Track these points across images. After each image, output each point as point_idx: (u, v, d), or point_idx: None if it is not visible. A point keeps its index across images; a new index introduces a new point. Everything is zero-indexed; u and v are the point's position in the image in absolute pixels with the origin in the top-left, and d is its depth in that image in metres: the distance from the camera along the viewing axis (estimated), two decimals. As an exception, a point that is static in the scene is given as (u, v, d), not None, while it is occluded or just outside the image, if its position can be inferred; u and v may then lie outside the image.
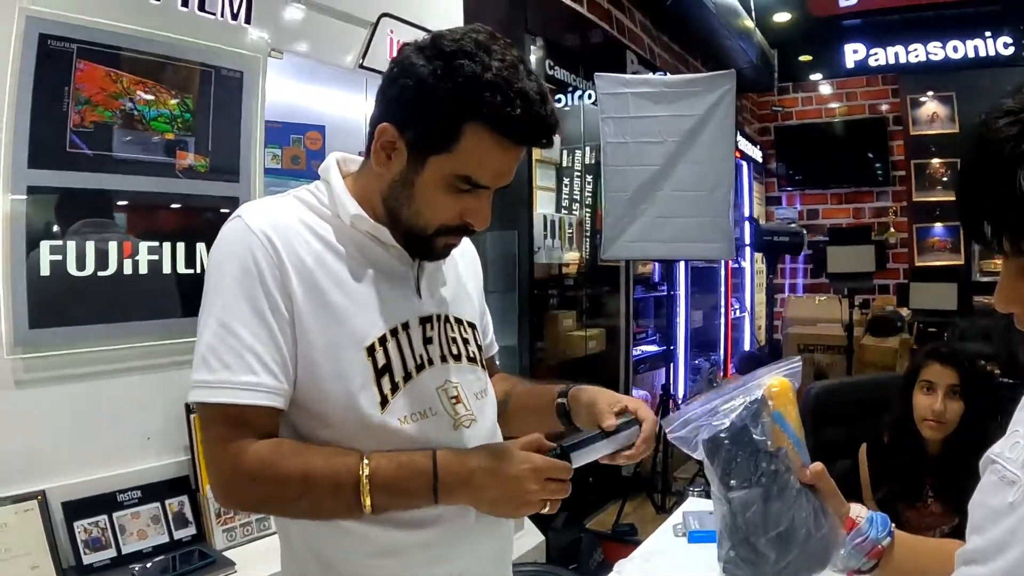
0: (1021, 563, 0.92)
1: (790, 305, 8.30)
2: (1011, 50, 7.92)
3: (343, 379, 1.28)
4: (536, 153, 4.67)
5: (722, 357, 8.11)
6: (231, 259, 1.27)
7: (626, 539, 4.46)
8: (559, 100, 5.13)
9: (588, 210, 5.13)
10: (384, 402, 1.30)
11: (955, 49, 8.21)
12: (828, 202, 9.11)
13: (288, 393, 1.27)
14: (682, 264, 6.83)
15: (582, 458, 1.37)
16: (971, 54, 8.09)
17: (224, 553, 2.20)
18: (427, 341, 1.39)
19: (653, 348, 6.24)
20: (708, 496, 2.61)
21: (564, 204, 5.06)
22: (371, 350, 1.30)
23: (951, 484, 2.46)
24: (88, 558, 2.00)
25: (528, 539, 3.58)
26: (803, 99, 9.27)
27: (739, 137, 7.72)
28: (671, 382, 5.07)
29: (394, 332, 1.34)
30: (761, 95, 9.22)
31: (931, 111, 8.42)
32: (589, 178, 5.14)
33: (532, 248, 4.40)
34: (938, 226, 8.42)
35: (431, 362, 1.38)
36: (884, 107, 8.86)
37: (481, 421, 1.45)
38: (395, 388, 1.32)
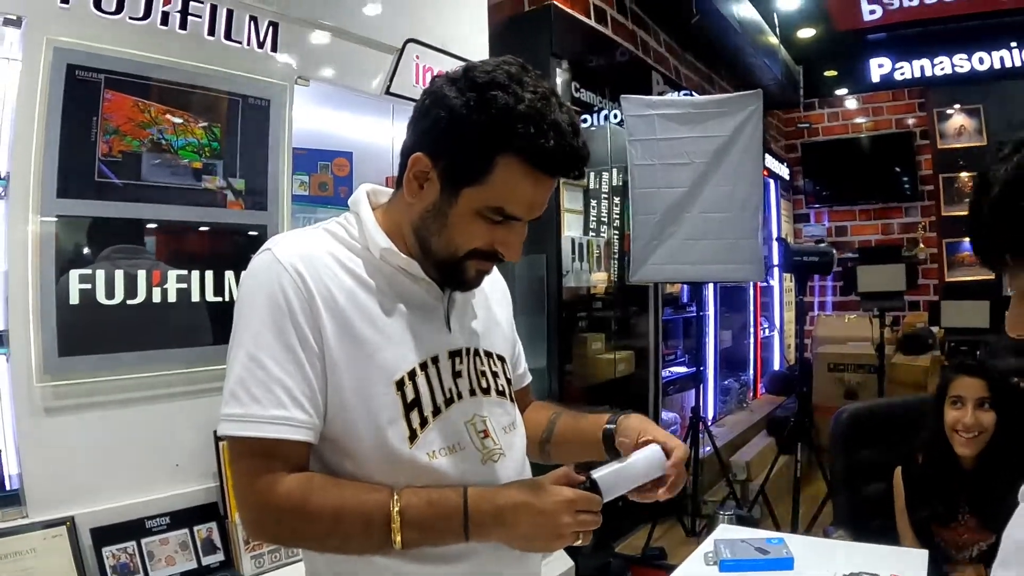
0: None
1: (820, 324, 8.27)
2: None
3: (372, 413, 1.28)
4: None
5: (752, 377, 8.06)
6: (260, 292, 1.27)
7: (656, 563, 4.42)
8: (584, 120, 5.10)
9: (616, 231, 5.11)
10: (413, 436, 1.30)
11: (981, 61, 8.10)
12: (857, 218, 9.05)
13: (318, 427, 1.27)
14: (711, 284, 6.78)
15: (610, 490, 1.35)
16: (997, 65, 7.97)
17: None
18: (456, 375, 1.39)
19: (682, 369, 6.19)
20: (739, 521, 2.60)
21: (592, 226, 5.03)
22: (400, 384, 1.30)
23: (986, 499, 2.48)
24: (117, 584, 2.01)
25: (557, 564, 3.55)
26: (829, 115, 9.22)
27: (766, 155, 7.69)
28: (700, 404, 5.02)
29: (424, 366, 1.33)
30: (787, 112, 9.18)
31: (958, 124, 8.34)
32: (616, 199, 5.12)
33: (560, 271, 4.38)
34: (968, 241, 8.26)
35: (460, 396, 1.38)
36: (911, 121, 8.79)
37: (510, 455, 1.44)
38: (424, 422, 1.31)
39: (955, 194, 8.38)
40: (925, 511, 2.64)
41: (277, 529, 1.28)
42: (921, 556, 2.25)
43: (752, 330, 8.05)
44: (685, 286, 6.24)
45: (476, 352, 1.45)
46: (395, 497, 1.24)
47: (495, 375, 1.48)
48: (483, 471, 1.37)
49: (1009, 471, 2.41)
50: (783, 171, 8.81)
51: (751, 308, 8.01)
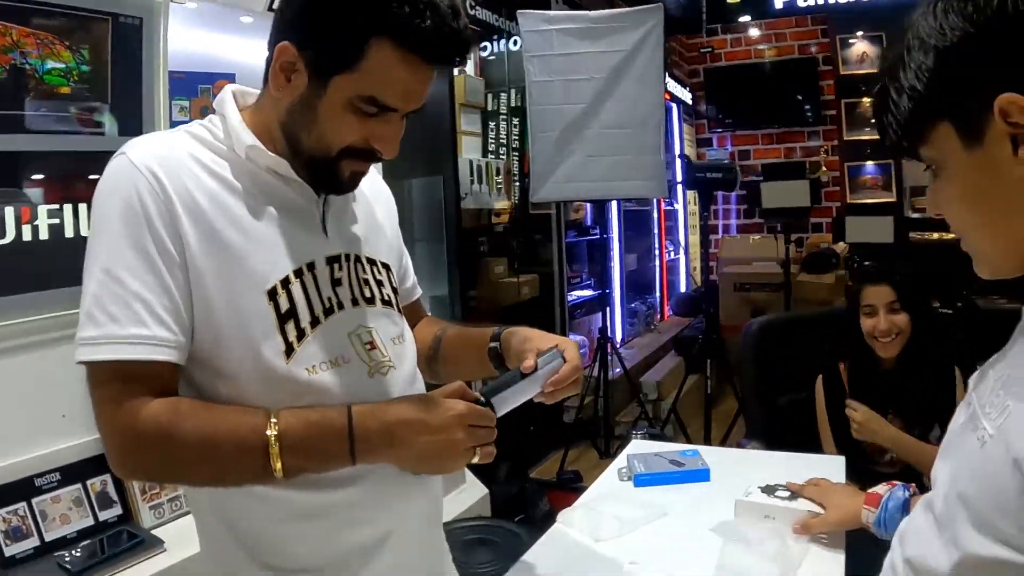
0: (949, 468, 0.97)
1: (725, 245, 8.32)
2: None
3: (243, 326, 1.16)
4: (459, 97, 4.54)
5: (659, 299, 8.12)
6: (114, 199, 1.14)
7: (571, 487, 4.42)
8: (484, 48, 5.02)
9: (516, 154, 5.00)
10: (290, 350, 1.18)
11: None
12: (759, 142, 9.05)
13: (184, 346, 1.14)
14: (614, 207, 6.77)
15: (505, 403, 1.28)
16: None
17: (153, 532, 2.10)
18: (336, 283, 1.27)
19: (588, 293, 6.17)
20: (653, 437, 2.55)
21: (491, 149, 4.91)
22: (273, 293, 1.18)
23: (908, 397, 2.57)
24: (10, 549, 1.89)
25: (471, 493, 3.50)
26: (732, 41, 9.13)
27: (668, 79, 7.66)
28: (607, 326, 5.00)
29: (298, 273, 1.22)
30: (690, 37, 9.08)
31: (861, 51, 8.37)
32: (515, 121, 5.00)
33: (459, 194, 4.26)
34: (869, 164, 8.42)
35: (341, 305, 1.27)
36: (813, 48, 8.77)
37: (400, 368, 1.34)
38: (301, 335, 1.20)
39: (857, 119, 8.43)
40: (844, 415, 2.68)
41: (143, 460, 1.15)
42: (838, 462, 2.24)
43: (657, 253, 8.08)
44: (588, 209, 6.19)
45: (357, 259, 1.34)
46: (272, 419, 1.12)
47: (379, 283, 1.37)
48: (371, 385, 1.27)
49: (930, 368, 2.50)
50: (686, 96, 8.77)
51: (656, 231, 8.03)
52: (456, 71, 4.52)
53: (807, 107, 8.72)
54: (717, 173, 4.81)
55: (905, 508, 1.65)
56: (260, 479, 1.15)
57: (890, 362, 2.63)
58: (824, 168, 8.58)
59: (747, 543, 1.69)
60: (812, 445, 2.76)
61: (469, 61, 4.83)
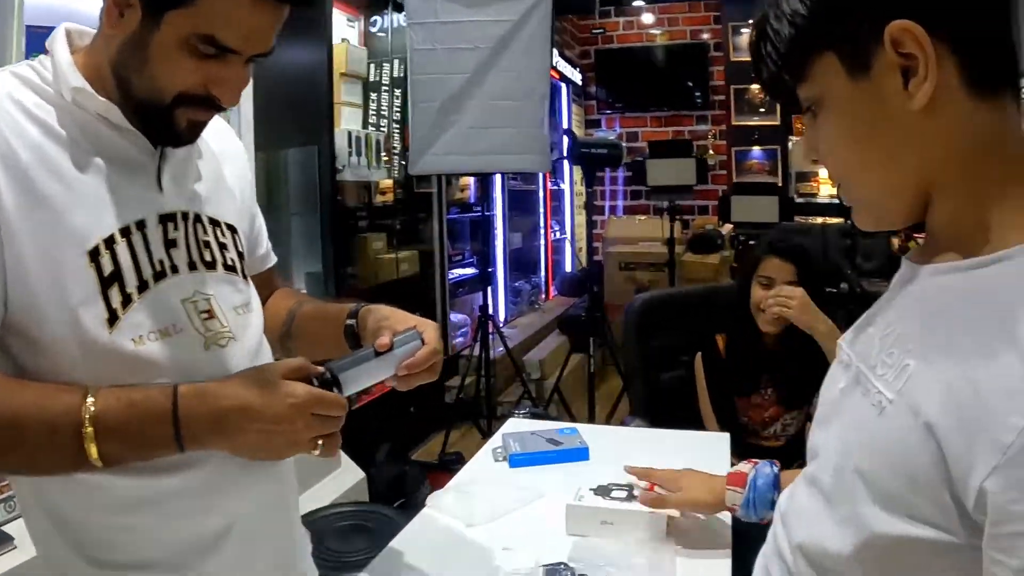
0: (834, 437, 0.94)
1: (611, 225, 8.35)
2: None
3: (61, 291, 1.01)
4: (340, 66, 4.36)
5: (543, 279, 8.13)
6: None
7: (453, 468, 4.30)
8: (374, 23, 4.86)
9: (397, 126, 4.84)
10: (113, 318, 1.04)
11: None
12: (648, 125, 9.13)
13: None
14: (499, 184, 6.70)
15: (354, 383, 1.16)
16: None
17: (2, 528, 1.93)
18: (170, 244, 1.13)
19: (471, 271, 6.09)
20: (534, 416, 2.47)
21: (372, 121, 4.74)
22: (95, 253, 1.04)
23: (787, 375, 2.58)
24: None
25: (347, 477, 3.37)
26: (625, 24, 9.17)
27: (559, 59, 7.65)
28: (489, 304, 4.93)
29: (125, 232, 1.07)
30: (582, 18, 9.09)
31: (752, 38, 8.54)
32: (398, 93, 4.83)
33: (334, 165, 4.10)
34: (756, 149, 8.60)
35: (175, 269, 1.12)
36: (705, 34, 8.89)
37: (242, 339, 1.20)
38: (127, 301, 1.05)
39: (745, 105, 8.59)
40: (727, 388, 2.69)
41: None
42: (723, 439, 2.20)
43: (543, 232, 8.07)
44: (473, 187, 6.09)
45: (198, 218, 1.19)
46: (88, 399, 0.98)
47: (222, 246, 1.22)
48: (207, 359, 1.13)
49: (810, 347, 2.42)
50: (576, 76, 8.75)
51: (541, 211, 8.02)
52: (338, 40, 4.36)
53: (696, 92, 8.84)
54: (602, 149, 4.78)
55: (776, 485, 1.54)
56: (76, 466, 1.01)
57: (771, 338, 2.60)
58: (712, 152, 8.72)
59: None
60: (697, 422, 2.75)
61: (352, 30, 4.67)
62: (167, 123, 1.09)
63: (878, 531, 0.81)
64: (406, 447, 4.66)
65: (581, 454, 2.04)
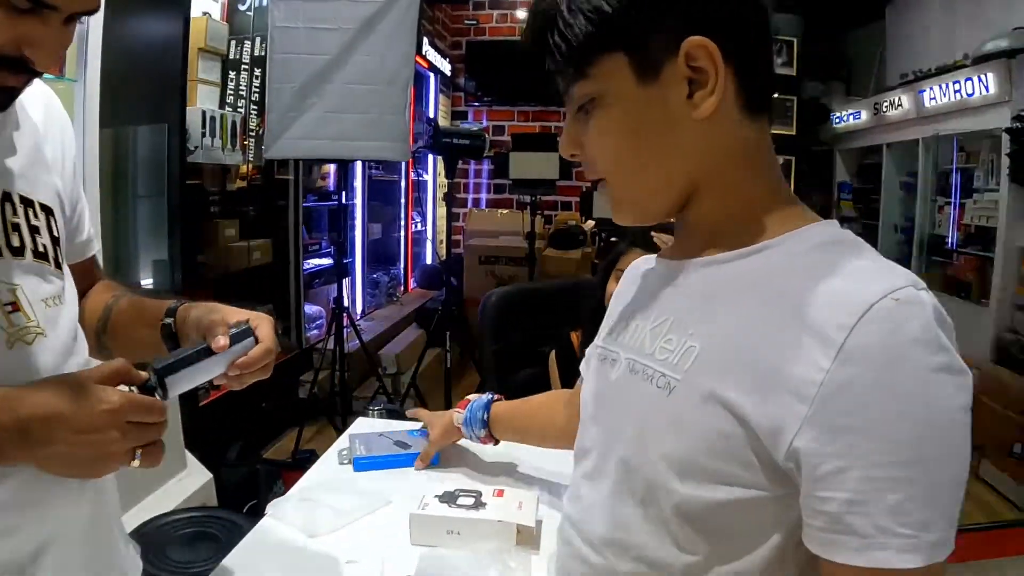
0: (616, 425, 1.00)
1: (471, 218, 8.34)
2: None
3: None
4: (199, 41, 4.15)
5: (403, 271, 8.08)
6: None
7: (307, 466, 4.18)
8: (243, 2, 4.63)
9: (255, 108, 4.65)
10: None
11: None
12: (515, 119, 9.20)
13: None
14: (359, 173, 6.58)
15: (182, 383, 1.05)
16: None
17: None
18: None
19: (327, 261, 5.96)
20: (389, 415, 2.36)
21: (229, 101, 4.54)
22: None
23: None
24: None
25: (193, 479, 3.22)
26: (498, 16, 9.21)
27: (429, 48, 7.60)
28: (344, 296, 4.82)
29: None
30: (455, 8, 9.09)
31: (625, 37, 8.69)
32: (258, 72, 4.64)
33: (184, 145, 3.88)
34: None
35: None
36: (577, 31, 8.98)
37: (53, 335, 1.08)
38: None
39: (612, 101, 8.72)
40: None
41: None
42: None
43: (403, 223, 8.01)
44: (332, 176, 5.96)
45: (7, 196, 1.06)
46: None
47: (34, 230, 1.09)
48: (10, 357, 1.01)
49: None
50: (445, 67, 8.72)
51: (402, 202, 7.95)
52: (198, 13, 4.15)
53: (566, 88, 8.90)
54: (464, 140, 4.73)
55: (487, 407, 1.82)
56: None
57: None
58: (578, 148, 8.81)
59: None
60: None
61: (215, 4, 4.46)
62: None
63: (682, 501, 0.88)
64: (258, 445, 4.52)
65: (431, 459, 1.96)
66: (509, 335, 3.04)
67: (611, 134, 0.93)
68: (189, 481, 3.18)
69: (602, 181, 0.97)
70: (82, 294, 1.24)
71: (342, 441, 2.08)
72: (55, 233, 1.14)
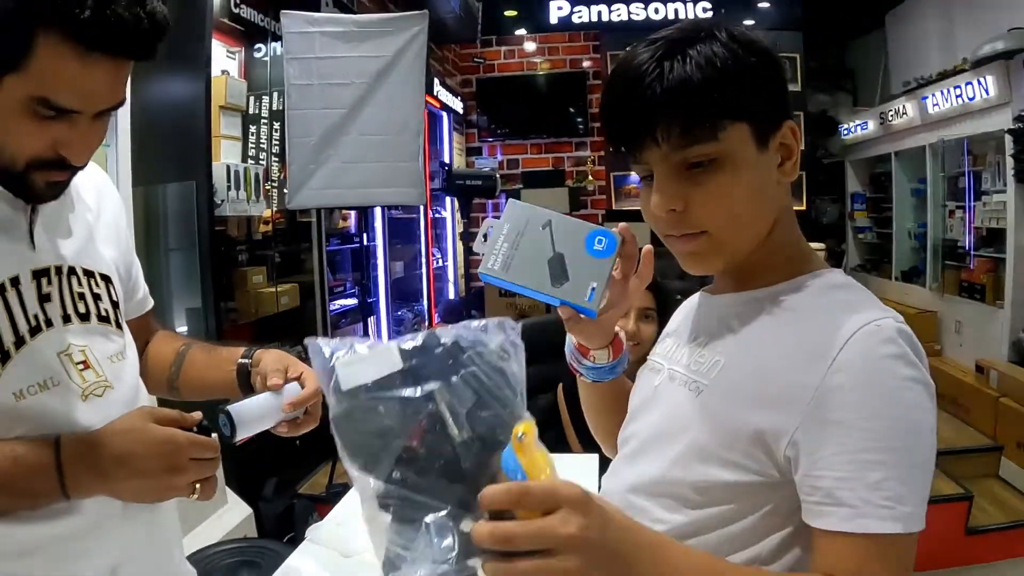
0: (659, 424, 1.17)
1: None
2: (709, 14, 8.33)
3: None
4: (220, 99, 4.34)
5: (426, 307, 8.11)
6: None
7: (341, 499, 4.30)
8: (259, 49, 4.84)
9: (276, 159, 4.84)
10: None
11: (656, 10, 8.67)
12: (528, 152, 9.31)
13: None
14: (379, 215, 6.72)
15: (247, 425, 1.25)
16: (671, 16, 8.54)
17: None
18: (44, 299, 1.16)
19: (353, 301, 6.06)
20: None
21: (251, 153, 4.73)
22: None
23: None
24: None
25: (234, 513, 3.36)
26: (506, 52, 9.37)
27: (440, 88, 7.71)
28: (371, 334, 4.94)
29: (0, 289, 1.09)
30: (464, 47, 9.24)
31: (630, 67, 8.80)
32: (277, 126, 4.84)
33: (212, 200, 4.07)
34: (634, 174, 8.77)
35: (50, 323, 1.16)
36: (585, 63, 9.17)
37: (119, 388, 1.24)
38: (5, 357, 1.08)
39: (623, 132, 8.83)
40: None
41: None
42: (591, 460, 2.27)
43: (424, 260, 8.06)
44: (354, 218, 6.11)
45: (72, 271, 1.22)
46: None
47: (97, 298, 1.26)
48: (86, 408, 1.17)
49: None
50: (457, 105, 8.83)
51: (422, 239, 8.01)
52: (218, 72, 4.34)
53: (578, 119, 9.07)
54: (476, 180, 4.85)
55: None
56: None
57: (630, 367, 2.61)
58: (591, 177, 8.91)
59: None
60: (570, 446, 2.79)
61: (232, 61, 4.65)
62: (25, 186, 1.11)
63: (698, 479, 1.06)
64: (293, 480, 4.61)
65: None
66: (528, 365, 3.16)
67: (733, 193, 1.03)
68: (230, 515, 3.32)
69: (688, 237, 1.07)
70: (143, 345, 1.42)
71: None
72: (114, 298, 1.32)
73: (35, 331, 1.14)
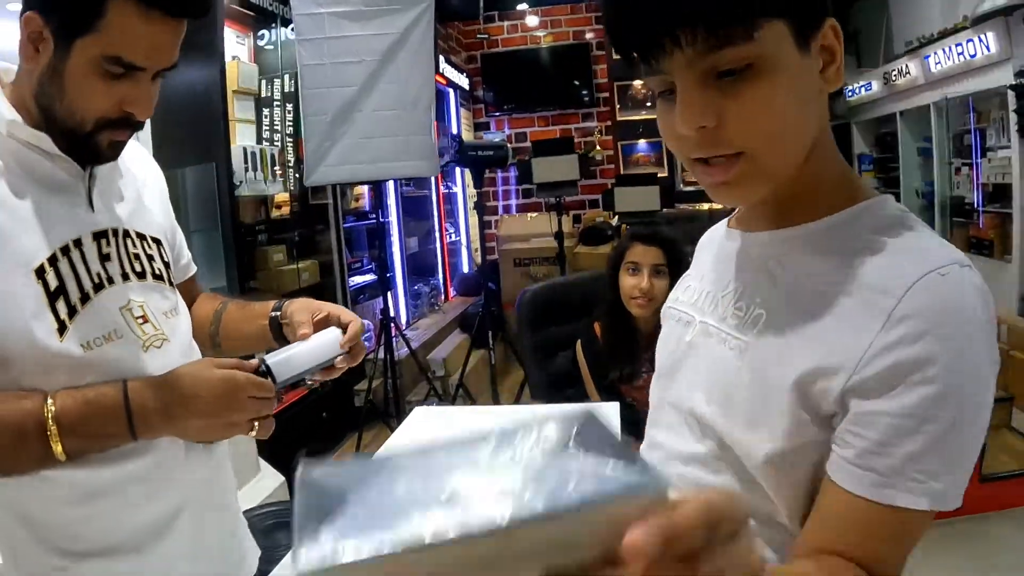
0: (691, 381, 1.06)
1: (503, 224, 8.53)
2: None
3: (14, 308, 1.14)
4: (232, 83, 4.44)
5: (441, 281, 8.22)
6: None
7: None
8: (262, 36, 4.92)
9: (291, 140, 4.94)
10: (62, 328, 1.17)
11: None
12: (536, 124, 9.33)
13: None
14: (392, 192, 6.82)
15: (286, 372, 1.30)
16: None
17: None
18: (104, 258, 1.26)
19: (370, 277, 6.19)
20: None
21: (265, 135, 4.83)
22: (41, 272, 1.16)
23: None
24: None
25: (267, 482, 3.47)
26: (509, 27, 9.37)
27: (446, 65, 7.74)
28: (390, 307, 5.06)
29: (65, 250, 1.20)
30: (467, 24, 9.24)
31: (632, 37, 8.80)
32: (290, 107, 4.94)
33: (232, 182, 4.19)
34: (642, 142, 8.93)
35: (111, 280, 1.26)
36: (588, 34, 9.16)
37: (174, 340, 1.35)
38: (72, 312, 1.19)
39: (629, 100, 8.95)
40: (610, 375, 2.73)
41: None
42: (613, 407, 2.30)
43: (438, 235, 8.16)
44: (367, 196, 6.21)
45: (126, 233, 1.33)
46: (48, 402, 1.12)
47: (150, 258, 1.37)
48: (146, 359, 1.28)
49: None
50: (463, 81, 8.87)
51: (435, 215, 8.10)
52: (229, 57, 4.44)
53: (583, 90, 9.07)
54: (488, 151, 4.93)
55: None
56: (43, 463, 1.14)
57: (644, 321, 2.68)
58: (599, 147, 8.95)
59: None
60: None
61: (243, 47, 4.74)
62: (90, 146, 1.22)
63: (734, 443, 0.97)
64: (322, 451, 4.74)
65: None
66: (545, 327, 3.24)
67: (773, 104, 0.86)
68: (265, 483, 3.43)
69: (721, 162, 0.90)
70: (189, 307, 1.52)
71: (404, 430, 2.29)
72: (165, 259, 1.42)
73: (98, 288, 1.24)
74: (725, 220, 1.16)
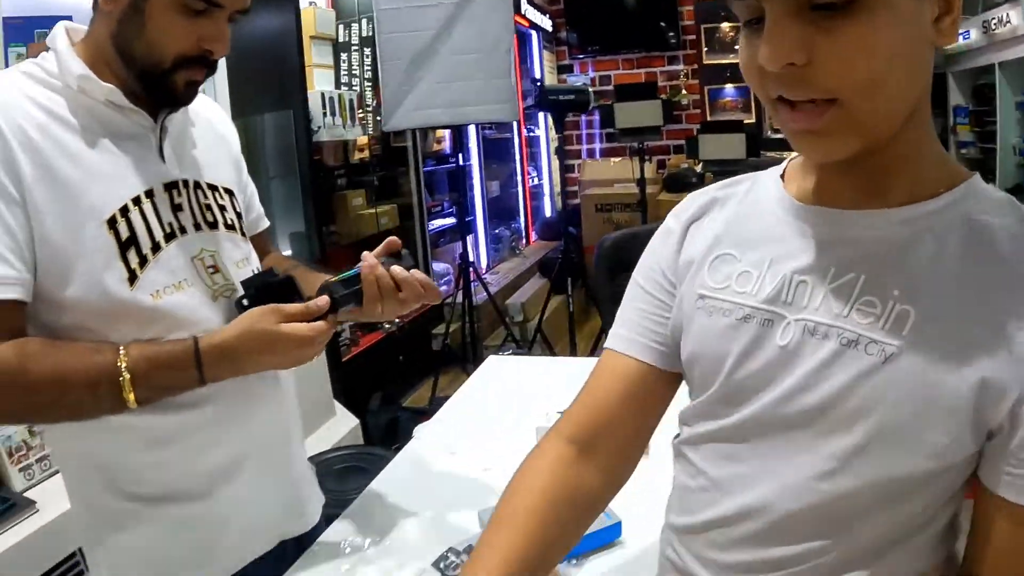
0: (826, 404, 0.86)
1: (586, 169, 8.42)
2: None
3: (86, 258, 1.17)
4: (309, 29, 4.44)
5: (523, 225, 8.21)
6: None
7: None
8: None
9: (369, 84, 4.93)
10: (133, 277, 1.20)
11: None
12: (620, 67, 9.11)
13: (29, 283, 1.15)
14: (473, 134, 6.78)
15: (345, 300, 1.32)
16: None
17: (24, 494, 2.07)
18: (176, 208, 1.29)
19: (450, 221, 6.21)
20: (516, 355, 2.56)
21: (343, 81, 4.84)
22: (112, 222, 1.20)
23: None
24: None
25: (341, 425, 3.53)
26: (593, -33, 9.14)
27: (527, 6, 7.65)
28: (469, 252, 5.06)
29: (137, 201, 1.23)
30: (550, -38, 9.07)
31: (721, -22, 8.55)
32: (367, 51, 4.92)
33: (309, 127, 4.20)
34: (729, 87, 8.65)
35: (183, 230, 1.29)
36: (676, -26, 8.90)
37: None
38: (144, 261, 1.22)
39: (716, 44, 8.66)
40: None
41: None
42: None
43: (520, 179, 8.11)
44: (448, 139, 6.18)
45: (197, 184, 1.36)
46: (121, 353, 1.15)
47: (222, 208, 1.39)
48: (216, 308, 1.31)
49: None
50: (546, 23, 8.72)
51: (518, 158, 8.05)
52: (306, 3, 4.43)
53: (669, 33, 8.81)
54: (569, 95, 4.85)
55: None
56: (115, 411, 1.18)
57: None
58: (684, 92, 8.77)
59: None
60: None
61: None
62: (167, 86, 1.24)
63: (870, 467, 0.83)
64: (397, 395, 4.80)
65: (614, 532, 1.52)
66: (624, 276, 3.19)
67: (877, 46, 0.73)
68: (338, 426, 3.49)
69: (810, 107, 0.78)
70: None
71: (476, 376, 2.29)
72: (237, 209, 1.44)
73: (169, 237, 1.27)
74: (744, 183, 1.01)
